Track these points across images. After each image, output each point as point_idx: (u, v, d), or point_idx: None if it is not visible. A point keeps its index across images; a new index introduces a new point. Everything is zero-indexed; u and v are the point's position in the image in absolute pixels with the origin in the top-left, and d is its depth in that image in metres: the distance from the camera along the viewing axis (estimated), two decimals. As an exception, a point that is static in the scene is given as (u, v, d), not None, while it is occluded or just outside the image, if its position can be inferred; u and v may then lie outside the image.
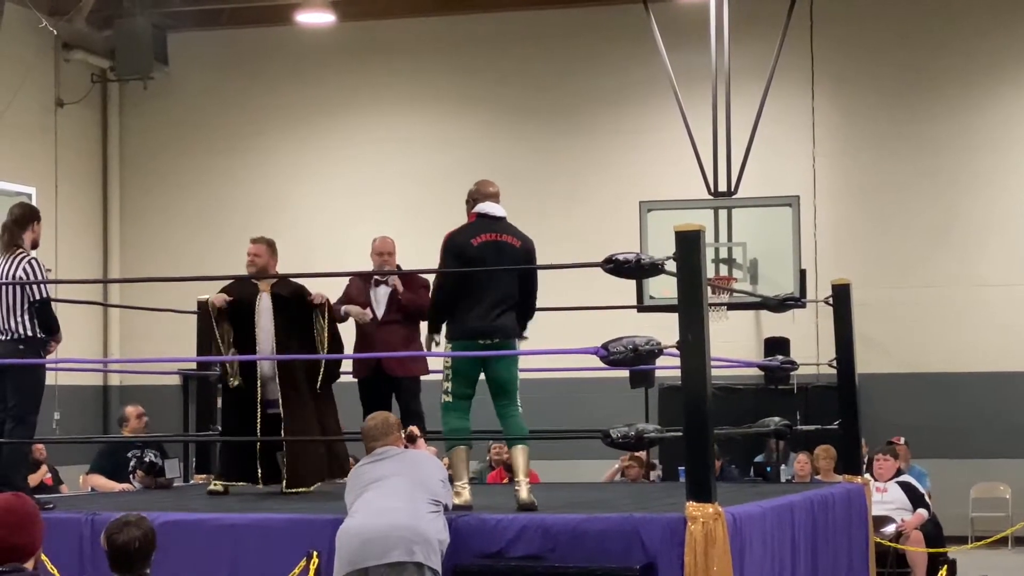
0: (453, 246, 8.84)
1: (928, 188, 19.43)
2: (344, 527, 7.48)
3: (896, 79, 19.63)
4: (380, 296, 10.51)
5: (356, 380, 10.59)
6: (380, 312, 10.47)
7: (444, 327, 8.85)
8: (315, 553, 7.61)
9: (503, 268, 8.73)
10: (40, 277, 9.20)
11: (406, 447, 8.07)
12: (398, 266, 10.75)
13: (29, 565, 4.83)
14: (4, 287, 9.13)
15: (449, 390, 8.81)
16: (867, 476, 11.63)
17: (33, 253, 9.38)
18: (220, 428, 10.74)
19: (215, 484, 10.28)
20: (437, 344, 9.05)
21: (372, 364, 10.34)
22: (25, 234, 9.34)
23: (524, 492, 8.35)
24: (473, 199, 9.05)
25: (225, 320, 10.13)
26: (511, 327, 8.78)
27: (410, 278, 10.55)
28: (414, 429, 8.42)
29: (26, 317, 9.13)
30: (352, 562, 7.33)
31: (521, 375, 8.85)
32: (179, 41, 20.99)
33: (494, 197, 9.00)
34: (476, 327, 8.66)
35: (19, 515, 4.89)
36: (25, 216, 9.44)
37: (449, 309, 8.82)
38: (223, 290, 10.28)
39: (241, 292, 10.21)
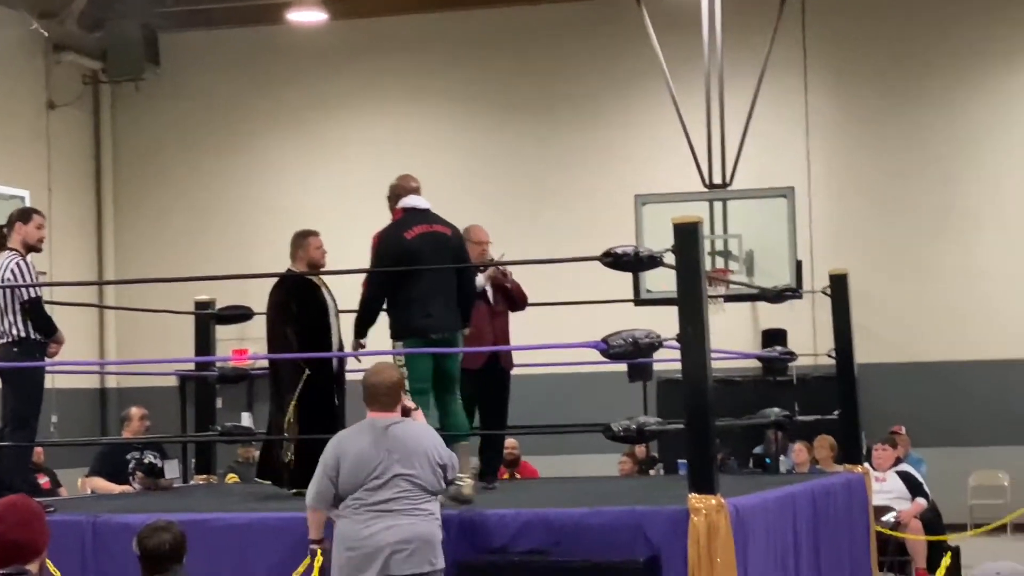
0: (385, 245, 8.77)
1: (924, 177, 19.40)
2: (353, 532, 7.19)
3: (889, 69, 19.60)
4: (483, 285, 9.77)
5: (470, 371, 9.50)
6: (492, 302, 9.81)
7: (394, 326, 8.69)
8: (319, 551, 7.58)
9: (441, 262, 8.68)
10: (28, 277, 9.11)
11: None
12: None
13: (34, 568, 4.78)
14: (-5, 289, 9.08)
15: (407, 388, 8.71)
16: (866, 465, 11.63)
17: (29, 256, 9.32)
18: (303, 422, 9.42)
19: None
20: (363, 347, 8.89)
21: (488, 355, 9.60)
22: (12, 236, 9.28)
23: (468, 488, 8.11)
24: (396, 194, 8.98)
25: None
26: (458, 320, 8.79)
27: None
28: (409, 405, 8.03)
29: (19, 319, 9.08)
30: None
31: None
32: (171, 41, 20.94)
33: (417, 191, 8.95)
34: (427, 323, 8.61)
35: (20, 512, 4.86)
36: (9, 219, 9.39)
37: (376, 310, 8.70)
38: (284, 283, 9.60)
39: (303, 285, 9.61)
